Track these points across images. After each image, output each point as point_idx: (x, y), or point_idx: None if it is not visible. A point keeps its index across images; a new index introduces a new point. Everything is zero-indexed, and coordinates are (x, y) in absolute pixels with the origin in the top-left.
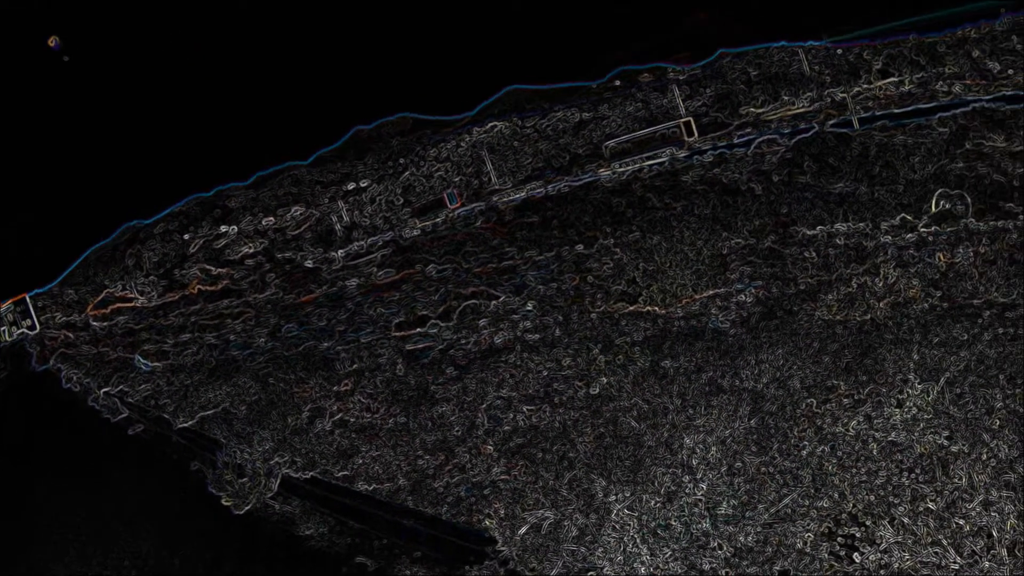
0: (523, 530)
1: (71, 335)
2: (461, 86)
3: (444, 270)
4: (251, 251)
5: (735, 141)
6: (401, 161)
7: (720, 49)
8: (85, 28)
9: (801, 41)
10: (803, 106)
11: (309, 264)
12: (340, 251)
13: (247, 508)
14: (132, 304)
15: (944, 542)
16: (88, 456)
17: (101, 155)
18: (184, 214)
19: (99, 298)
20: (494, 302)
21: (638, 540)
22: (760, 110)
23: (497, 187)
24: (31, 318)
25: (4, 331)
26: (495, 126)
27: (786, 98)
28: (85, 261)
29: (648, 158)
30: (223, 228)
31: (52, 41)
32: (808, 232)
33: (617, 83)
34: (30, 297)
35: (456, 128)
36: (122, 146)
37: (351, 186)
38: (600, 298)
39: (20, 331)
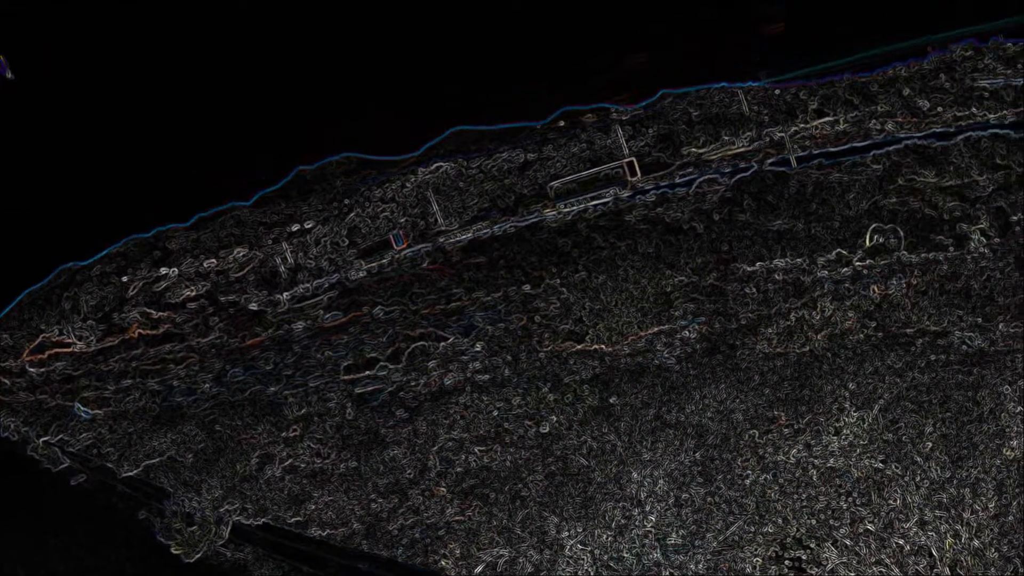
0: (479, 569)
1: (6, 381)
2: (406, 126)
3: (391, 312)
4: (193, 294)
5: (677, 181)
6: (346, 202)
7: (662, 90)
8: (28, 53)
9: (740, 82)
10: (743, 145)
11: (254, 307)
12: (285, 294)
13: (197, 556)
14: (70, 349)
15: (887, 561)
16: (29, 508)
17: (34, 193)
18: (122, 255)
19: (35, 343)
20: (443, 343)
21: (591, 573)
22: (701, 150)
23: (443, 228)
24: None
25: None
26: (441, 167)
27: (726, 138)
28: (19, 304)
29: (593, 198)
30: (163, 270)
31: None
32: (748, 268)
33: (561, 123)
34: None
35: (401, 168)
36: (56, 185)
37: (295, 227)
38: (548, 337)
39: None
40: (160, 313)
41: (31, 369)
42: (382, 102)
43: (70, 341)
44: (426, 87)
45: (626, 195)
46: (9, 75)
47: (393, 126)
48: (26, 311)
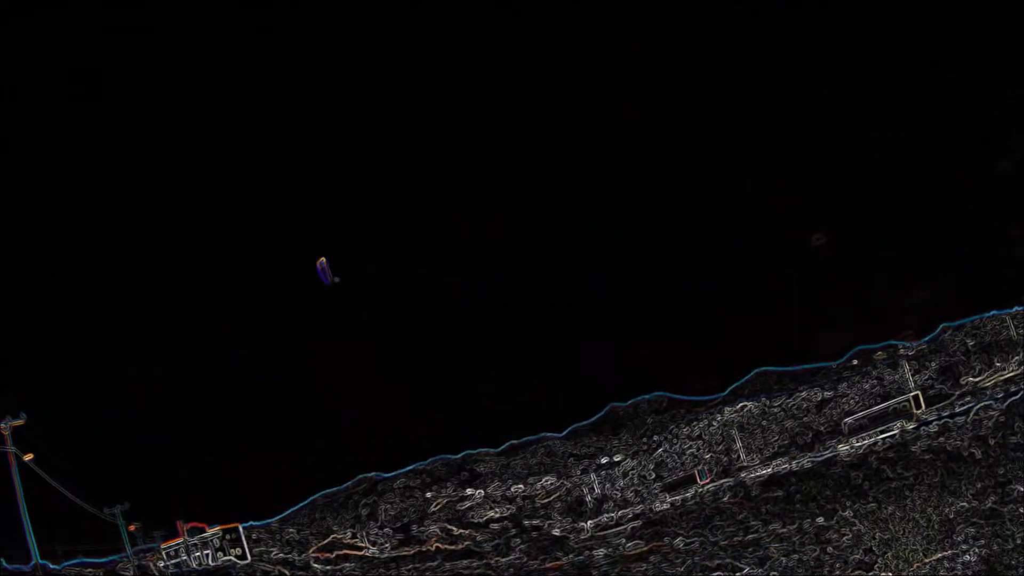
0: None
1: (287, 572)
2: (714, 367)
3: (691, 543)
4: (497, 515)
5: (957, 410)
6: (655, 438)
7: (942, 323)
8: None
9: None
10: (1012, 369)
11: (557, 532)
12: (590, 522)
13: None
14: (362, 552)
15: None
16: None
17: (340, 410)
18: (428, 473)
19: (326, 541)
20: (738, 574)
21: None
22: (978, 378)
23: (745, 464)
24: (243, 548)
25: (208, 554)
26: (745, 406)
27: (998, 364)
28: (312, 504)
29: (882, 431)
30: (469, 491)
31: (321, 263)
32: (1022, 489)
33: (855, 362)
34: (244, 528)
35: (709, 408)
36: (365, 402)
37: (605, 460)
38: (839, 567)
39: (227, 558)
40: (461, 530)
41: (316, 564)
42: (694, 345)
43: (363, 545)
44: (731, 330)
45: (912, 427)
46: (336, 279)
47: (703, 367)
48: (318, 511)
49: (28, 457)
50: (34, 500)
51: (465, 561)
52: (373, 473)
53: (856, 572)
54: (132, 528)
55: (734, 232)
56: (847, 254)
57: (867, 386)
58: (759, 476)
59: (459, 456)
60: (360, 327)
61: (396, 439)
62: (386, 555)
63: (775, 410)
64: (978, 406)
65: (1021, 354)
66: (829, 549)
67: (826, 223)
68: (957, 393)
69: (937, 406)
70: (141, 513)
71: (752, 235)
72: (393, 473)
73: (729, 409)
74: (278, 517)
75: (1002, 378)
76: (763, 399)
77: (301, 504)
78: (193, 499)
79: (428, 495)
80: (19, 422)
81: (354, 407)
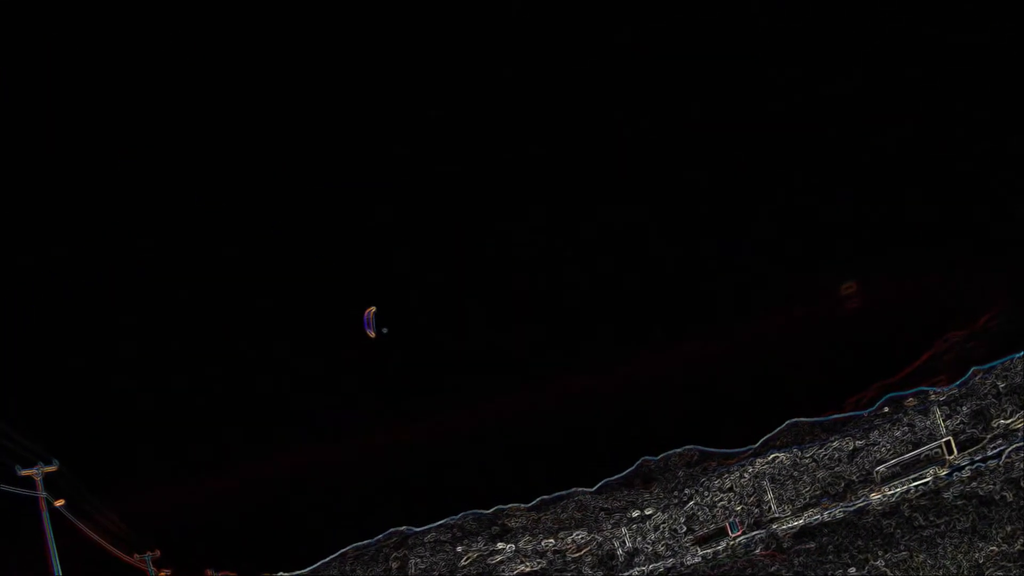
0: None
1: None
2: (746, 419)
3: None
4: (528, 570)
5: (988, 453)
6: (686, 491)
7: (973, 367)
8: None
9: None
10: None
11: None
12: (622, 574)
13: None
14: None
15: None
16: None
17: (370, 462)
18: (459, 527)
19: None
20: None
21: None
22: (1009, 420)
23: (777, 515)
24: None
25: None
26: (777, 457)
27: None
28: (343, 556)
29: (914, 479)
30: (500, 545)
31: (369, 314)
32: None
33: (886, 410)
34: None
35: (740, 460)
36: (396, 455)
37: (635, 513)
38: None
39: None
40: None
41: None
42: (725, 398)
43: None
44: (768, 382)
45: (944, 473)
46: (384, 330)
47: (734, 418)
48: (348, 563)
49: (59, 503)
50: (64, 546)
51: None
52: (404, 527)
53: None
54: (162, 575)
55: (758, 284)
56: (875, 301)
57: (898, 433)
58: (791, 527)
59: (490, 511)
60: (391, 379)
61: (428, 493)
62: None
63: (807, 461)
64: (1010, 448)
65: None
66: None
67: (855, 275)
68: (988, 437)
69: (969, 451)
70: (171, 560)
71: (777, 285)
72: (424, 527)
73: (761, 460)
74: (309, 568)
75: None
76: (794, 450)
77: (332, 556)
78: (224, 548)
79: (459, 549)
80: (51, 468)
81: (385, 459)
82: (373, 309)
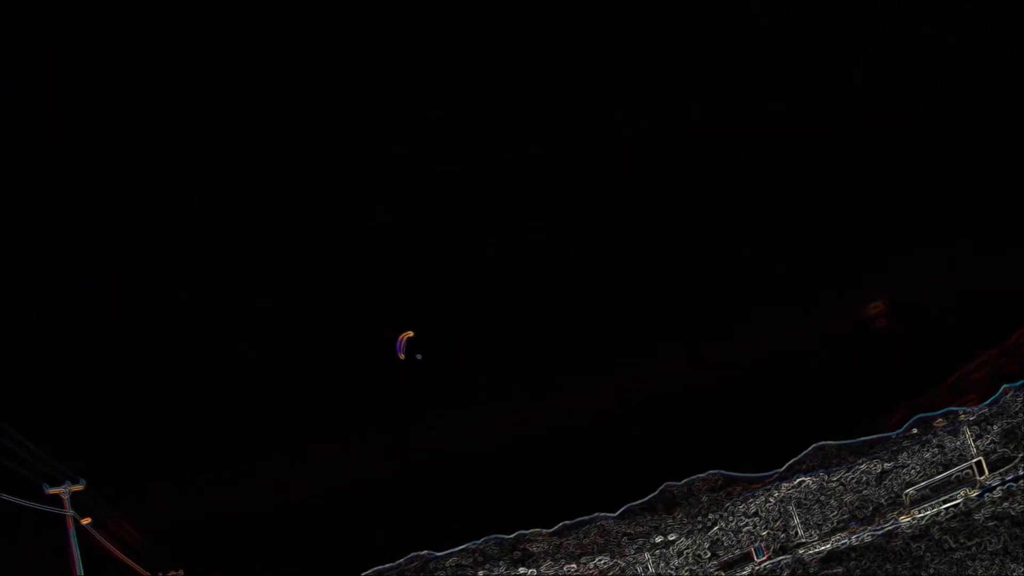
0: None
1: None
2: (771, 443)
3: None
4: None
5: (1020, 473)
6: (711, 516)
7: (1004, 384)
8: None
9: None
10: None
11: None
12: None
13: None
14: None
15: None
16: None
17: (392, 487)
18: (480, 552)
19: None
20: None
21: None
22: None
23: (803, 540)
24: None
25: None
26: (803, 481)
27: None
28: None
29: (944, 501)
30: (521, 570)
31: (404, 338)
32: None
33: (914, 431)
34: None
35: (765, 484)
36: (416, 479)
37: (659, 539)
38: None
39: None
40: None
41: None
42: (750, 421)
43: None
44: (791, 403)
45: (975, 495)
46: (418, 356)
47: (759, 441)
48: None
49: (86, 521)
50: (91, 564)
51: None
52: (425, 552)
53: None
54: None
55: (784, 310)
56: (901, 321)
57: (928, 455)
58: (818, 552)
59: (512, 536)
60: (411, 403)
61: (449, 517)
62: None
63: (834, 484)
64: None
65: None
66: None
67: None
68: (1020, 456)
69: (1000, 470)
70: None
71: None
72: (445, 552)
73: (787, 485)
74: None
75: None
76: (821, 473)
77: None
78: (243, 568)
79: (480, 574)
80: (78, 487)
81: (405, 484)
82: (410, 334)
